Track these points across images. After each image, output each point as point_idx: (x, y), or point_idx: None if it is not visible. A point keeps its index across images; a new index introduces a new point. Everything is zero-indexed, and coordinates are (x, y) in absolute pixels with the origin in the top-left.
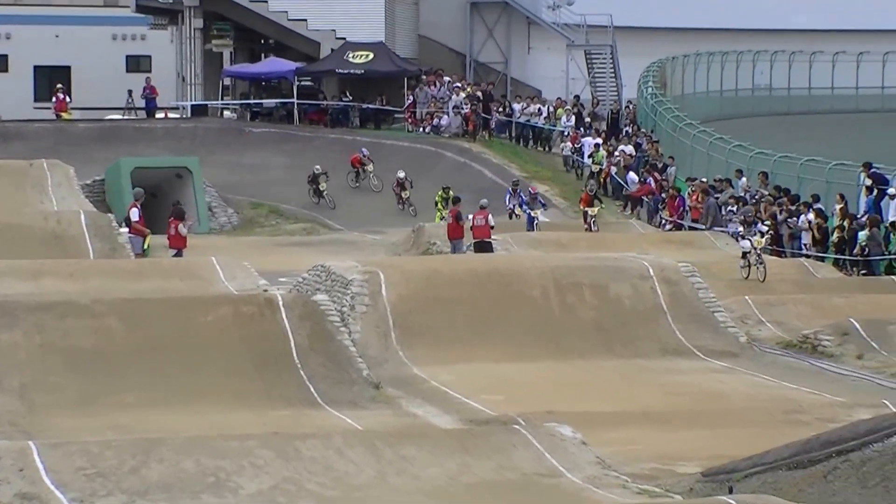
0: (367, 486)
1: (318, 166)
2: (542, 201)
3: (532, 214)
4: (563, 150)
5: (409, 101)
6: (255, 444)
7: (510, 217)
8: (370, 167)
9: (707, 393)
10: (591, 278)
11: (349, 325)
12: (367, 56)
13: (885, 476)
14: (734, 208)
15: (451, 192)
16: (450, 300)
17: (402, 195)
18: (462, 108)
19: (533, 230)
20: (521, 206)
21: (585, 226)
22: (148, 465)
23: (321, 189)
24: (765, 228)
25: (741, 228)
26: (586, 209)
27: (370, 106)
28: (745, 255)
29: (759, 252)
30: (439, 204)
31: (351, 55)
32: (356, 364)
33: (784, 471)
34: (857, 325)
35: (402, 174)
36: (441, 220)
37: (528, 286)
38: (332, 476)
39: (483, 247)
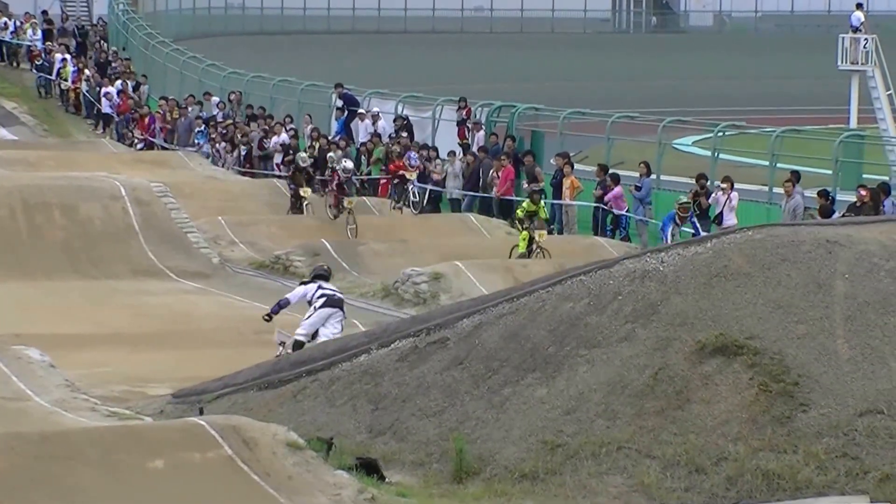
0: None
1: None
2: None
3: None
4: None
5: None
6: None
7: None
8: None
9: (179, 314)
10: (61, 198)
11: None
12: None
13: (353, 395)
14: (203, 128)
15: None
16: None
17: None
18: None
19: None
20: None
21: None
22: None
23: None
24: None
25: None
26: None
27: None
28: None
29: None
30: None
31: None
32: None
33: (255, 391)
34: (329, 246)
35: None
36: None
37: None
38: None
39: None
